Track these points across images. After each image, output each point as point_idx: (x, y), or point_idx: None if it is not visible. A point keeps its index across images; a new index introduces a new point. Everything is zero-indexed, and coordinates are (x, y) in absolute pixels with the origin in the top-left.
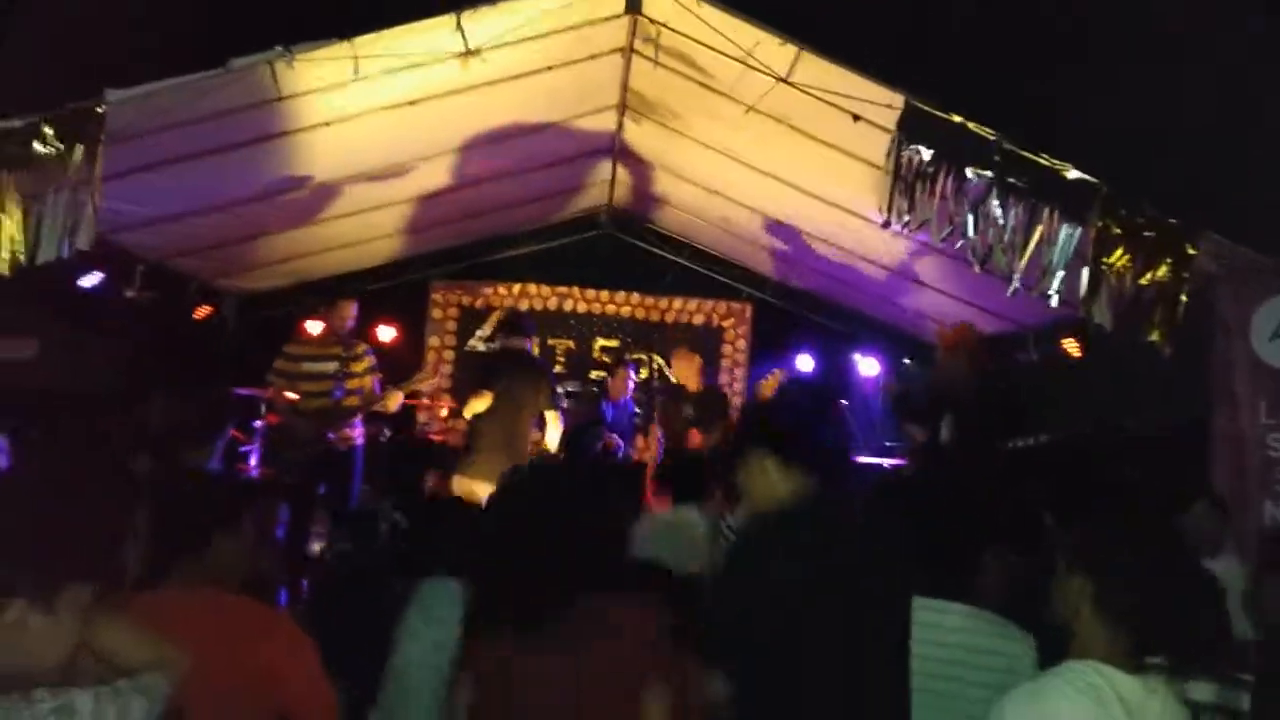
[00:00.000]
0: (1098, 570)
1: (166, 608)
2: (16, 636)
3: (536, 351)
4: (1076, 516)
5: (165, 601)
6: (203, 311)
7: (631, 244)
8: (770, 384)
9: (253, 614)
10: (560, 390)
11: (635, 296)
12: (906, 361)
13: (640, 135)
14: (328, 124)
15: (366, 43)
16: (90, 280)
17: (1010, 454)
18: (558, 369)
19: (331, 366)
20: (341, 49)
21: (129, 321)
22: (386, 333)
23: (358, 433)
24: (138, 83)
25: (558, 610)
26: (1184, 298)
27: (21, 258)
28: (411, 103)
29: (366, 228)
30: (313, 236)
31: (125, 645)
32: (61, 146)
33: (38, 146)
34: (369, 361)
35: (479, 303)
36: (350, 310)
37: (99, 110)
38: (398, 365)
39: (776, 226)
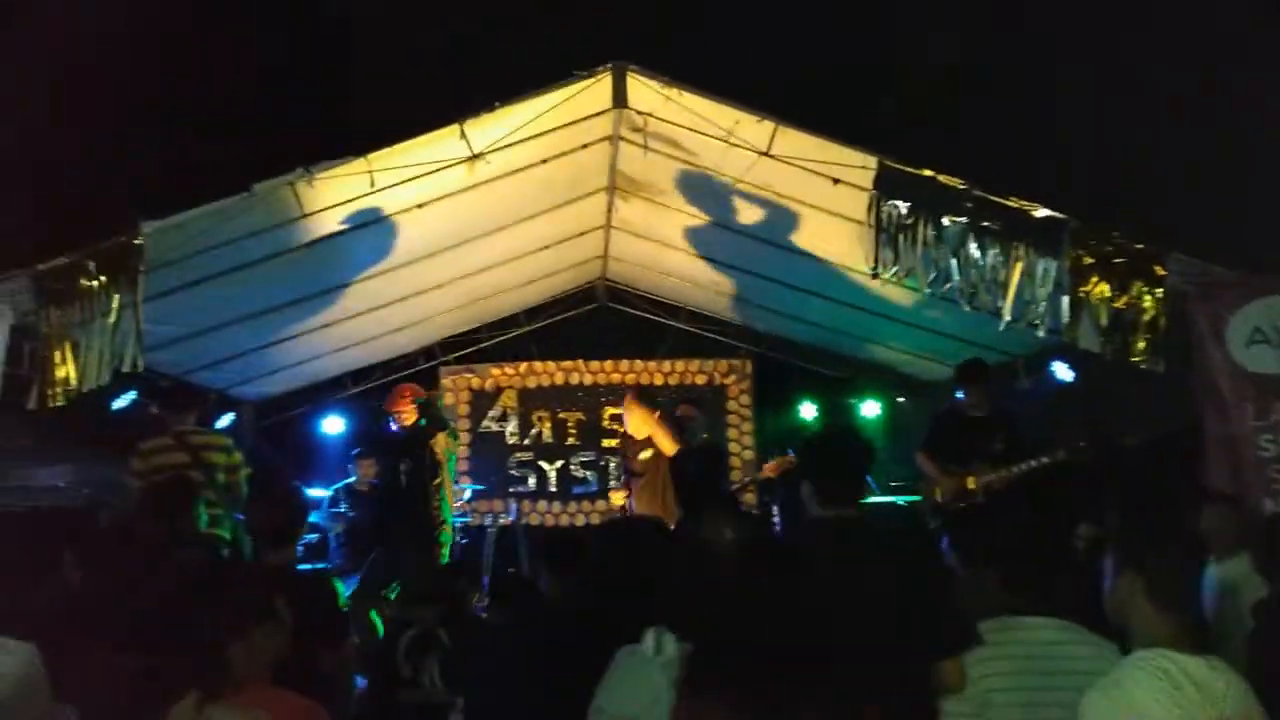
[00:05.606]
0: (1145, 565)
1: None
2: None
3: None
4: (1114, 523)
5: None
6: (223, 421)
7: (629, 313)
8: (777, 465)
9: (300, 708)
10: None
11: (639, 363)
12: (900, 400)
13: (630, 211)
14: (342, 232)
15: (381, 157)
16: (122, 401)
17: (1023, 475)
18: (570, 441)
19: None
20: (357, 165)
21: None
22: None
23: None
24: (170, 212)
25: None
26: (1162, 316)
27: (72, 387)
28: (420, 205)
29: (377, 324)
30: (327, 337)
31: None
32: (105, 279)
33: (83, 281)
34: None
35: (488, 385)
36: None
37: (137, 243)
38: None
39: (767, 284)
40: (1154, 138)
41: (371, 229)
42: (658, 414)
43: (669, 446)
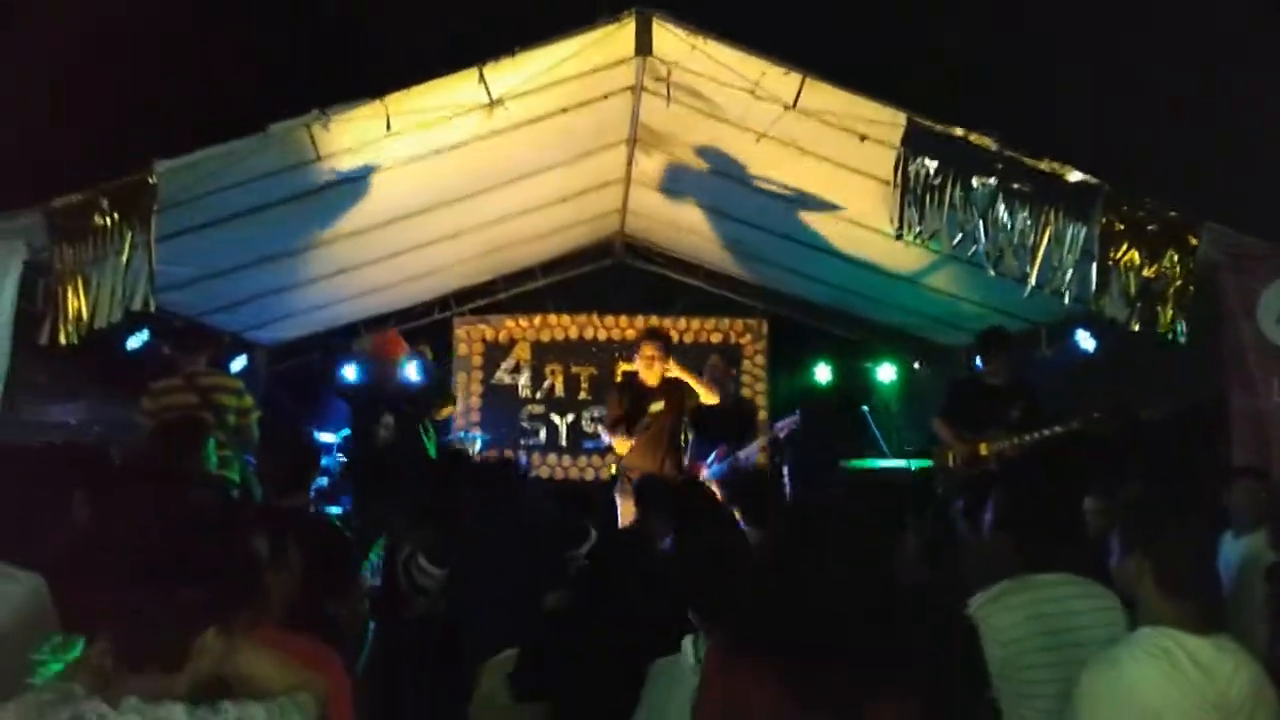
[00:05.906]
0: (1151, 548)
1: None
2: (203, 658)
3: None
4: (1122, 499)
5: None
6: (236, 365)
7: (646, 269)
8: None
9: (312, 651)
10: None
11: (654, 319)
12: (916, 365)
13: (650, 165)
14: (358, 177)
15: (397, 100)
16: (136, 341)
17: (1036, 443)
18: (582, 396)
19: None
20: (374, 108)
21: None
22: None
23: None
24: (184, 151)
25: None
26: (1191, 286)
27: (84, 324)
28: (437, 151)
29: (392, 272)
30: (342, 284)
31: (270, 671)
32: (117, 217)
33: (96, 219)
34: None
35: (502, 336)
36: None
37: (151, 181)
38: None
39: (788, 244)
40: (1154, 138)
41: (387, 174)
42: (685, 369)
43: (711, 396)
